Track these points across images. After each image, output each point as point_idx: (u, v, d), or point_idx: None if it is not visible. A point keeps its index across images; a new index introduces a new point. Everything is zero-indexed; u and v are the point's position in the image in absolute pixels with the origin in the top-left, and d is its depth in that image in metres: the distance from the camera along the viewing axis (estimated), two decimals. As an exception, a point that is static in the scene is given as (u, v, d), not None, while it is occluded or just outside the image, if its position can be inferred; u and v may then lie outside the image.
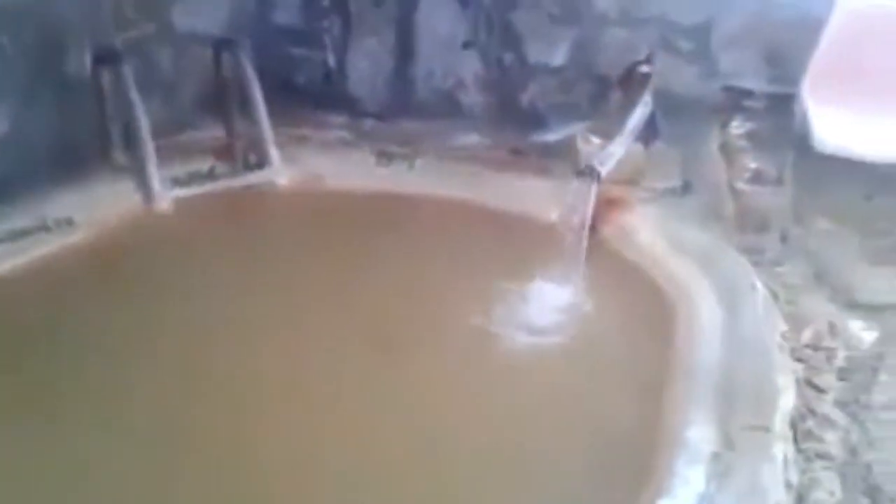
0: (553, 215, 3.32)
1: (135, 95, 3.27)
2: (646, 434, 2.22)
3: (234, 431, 2.26)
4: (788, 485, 2.04)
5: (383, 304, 2.90)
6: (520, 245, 3.17)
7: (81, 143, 3.41)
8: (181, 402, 2.36)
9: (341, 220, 3.38)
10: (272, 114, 3.84)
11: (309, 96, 4.15)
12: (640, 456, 2.15)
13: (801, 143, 3.26)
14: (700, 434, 2.15)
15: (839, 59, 3.15)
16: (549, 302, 2.90)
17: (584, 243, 2.98)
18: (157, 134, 3.42)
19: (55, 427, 2.23)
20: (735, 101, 3.75)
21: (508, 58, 4.02)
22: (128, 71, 3.29)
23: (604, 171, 3.07)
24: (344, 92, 4.25)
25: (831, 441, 2.32)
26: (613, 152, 3.25)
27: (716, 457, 2.08)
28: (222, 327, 2.73)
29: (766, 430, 2.14)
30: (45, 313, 2.69)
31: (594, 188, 3.03)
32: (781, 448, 2.10)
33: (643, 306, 2.81)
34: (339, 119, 4.17)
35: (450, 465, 2.21)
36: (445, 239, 3.23)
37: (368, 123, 4.15)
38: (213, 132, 3.86)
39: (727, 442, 2.12)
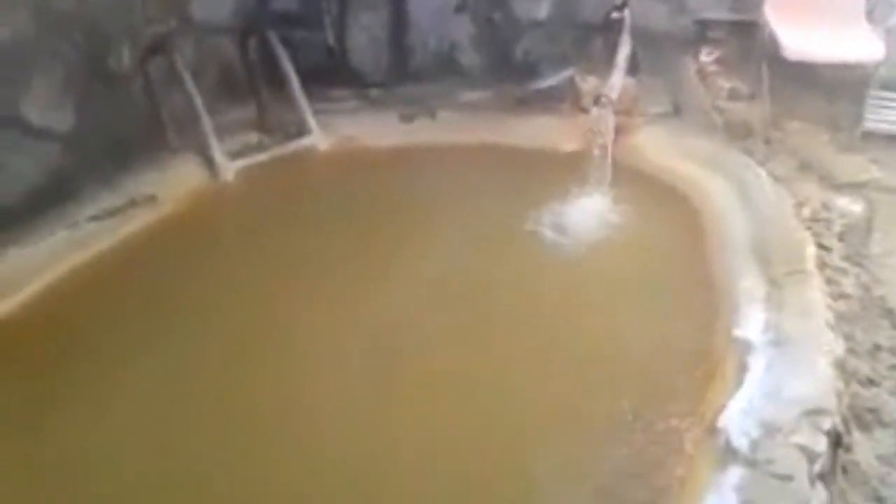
0: (568, 145, 3.80)
1: (188, 79, 3.58)
2: (705, 291, 2.73)
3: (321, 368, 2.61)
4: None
5: (446, 237, 3.28)
6: (548, 172, 3.62)
7: (138, 129, 3.70)
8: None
9: (385, 173, 3.78)
10: (282, 94, 4.19)
11: (314, 74, 4.39)
12: (705, 306, 2.65)
13: (769, 58, 3.78)
14: (751, 283, 2.66)
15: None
16: (591, 211, 3.37)
17: (609, 160, 3.44)
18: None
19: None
20: (703, 32, 4.28)
21: (498, 16, 4.43)
22: (178, 58, 3.59)
23: (614, 97, 3.55)
24: (347, 67, 4.58)
25: (846, 284, 2.85)
26: (614, 84, 3.73)
27: (768, 295, 2.58)
28: (306, 272, 3.09)
29: (802, 272, 2.65)
30: (158, 274, 3.03)
31: (610, 113, 3.51)
32: (816, 282, 2.60)
33: (670, 204, 3.31)
34: (346, 92, 4.50)
35: (529, 341, 2.67)
36: (483, 175, 3.66)
37: (374, 92, 4.50)
38: (244, 111, 4.17)
39: (774, 284, 2.63)
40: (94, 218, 3.18)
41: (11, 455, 2.22)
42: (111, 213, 3.25)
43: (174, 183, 3.49)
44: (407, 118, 4.14)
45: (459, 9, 4.46)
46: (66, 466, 2.20)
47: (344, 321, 2.78)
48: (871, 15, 3.79)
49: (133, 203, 3.33)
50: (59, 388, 2.43)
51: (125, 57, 3.69)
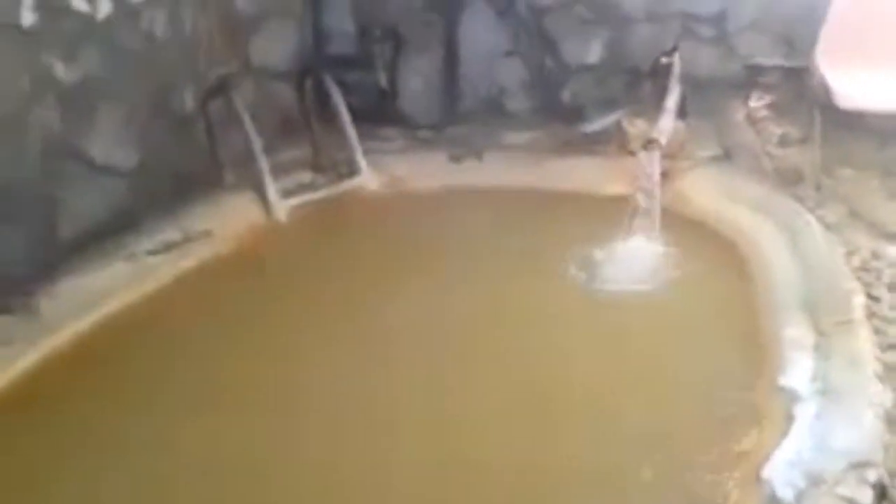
0: (616, 188, 3.83)
1: (247, 119, 3.71)
2: (753, 338, 2.71)
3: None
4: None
5: (492, 277, 3.34)
6: (595, 215, 3.64)
7: (196, 169, 3.84)
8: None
9: (431, 213, 3.85)
10: (335, 135, 4.31)
11: (366, 116, 4.51)
12: (751, 354, 2.64)
13: (821, 105, 3.77)
14: (799, 332, 2.64)
15: (846, 27, 3.70)
16: (637, 256, 3.38)
17: (657, 204, 3.46)
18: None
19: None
20: (754, 77, 4.30)
21: (548, 61, 4.51)
22: (238, 99, 3.73)
23: (663, 142, 3.58)
24: (398, 108, 4.70)
25: (894, 334, 2.81)
26: (664, 127, 3.76)
27: (817, 345, 2.56)
28: (354, 310, 3.16)
29: (851, 321, 2.63)
30: (210, 310, 3.12)
31: (658, 157, 3.53)
32: (865, 333, 2.58)
33: (718, 250, 3.31)
34: (397, 132, 4.61)
35: (596, 379, 2.68)
36: (528, 217, 3.71)
37: (423, 134, 4.60)
38: (298, 151, 4.30)
39: (822, 334, 2.61)
40: (152, 252, 3.30)
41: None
42: (168, 247, 3.37)
43: (229, 220, 3.60)
44: (455, 159, 4.21)
45: (510, 53, 4.54)
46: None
47: (389, 357, 2.84)
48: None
49: (189, 238, 3.44)
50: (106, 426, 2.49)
51: (188, 98, 3.84)
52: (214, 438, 2.46)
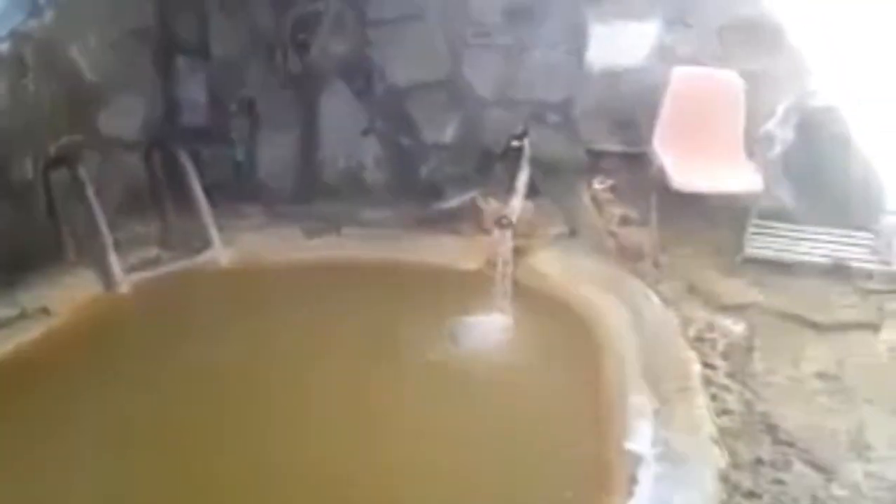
0: (469, 264, 3.91)
1: (90, 192, 3.58)
2: (595, 406, 2.80)
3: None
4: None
5: (347, 353, 3.32)
6: (449, 290, 3.71)
7: (36, 241, 3.64)
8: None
9: (286, 289, 3.78)
10: (187, 208, 4.22)
11: (221, 190, 4.44)
12: (597, 420, 2.72)
13: (659, 188, 4.02)
14: (641, 399, 2.75)
15: (680, 115, 4.00)
16: (489, 328, 3.45)
17: (509, 279, 3.56)
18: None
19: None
20: (597, 161, 4.54)
21: (404, 140, 4.61)
22: (83, 172, 3.59)
23: (514, 220, 3.71)
24: (255, 182, 4.67)
25: (730, 400, 2.98)
26: (514, 206, 3.90)
27: (657, 411, 2.67)
28: (190, 387, 3.06)
29: (689, 388, 2.76)
30: (41, 387, 2.94)
31: (510, 235, 3.65)
32: (702, 398, 2.72)
33: (565, 322, 3.42)
34: (253, 207, 4.56)
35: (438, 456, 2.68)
36: (383, 292, 3.71)
37: (281, 208, 4.56)
38: (146, 226, 4.16)
39: (663, 400, 2.72)
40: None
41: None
42: (1, 324, 3.13)
43: (68, 295, 3.43)
44: (311, 234, 4.19)
45: (367, 132, 4.61)
46: None
47: (226, 437, 2.75)
48: (750, 150, 4.09)
49: (24, 315, 3.24)
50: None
51: (28, 168, 3.66)
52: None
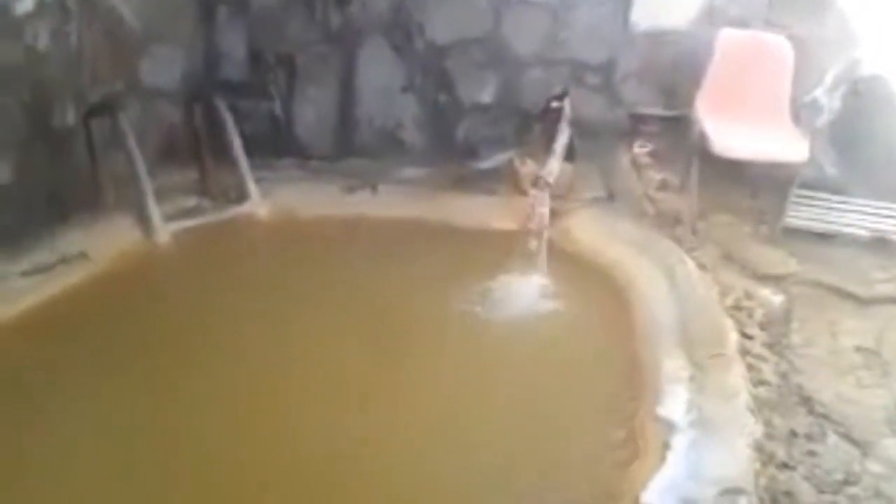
0: (505, 224, 3.90)
1: (131, 141, 3.59)
2: (633, 371, 2.79)
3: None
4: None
5: (381, 309, 3.32)
6: (485, 250, 3.69)
7: (76, 187, 3.68)
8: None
9: (320, 243, 3.80)
10: (225, 160, 4.23)
11: (259, 143, 4.45)
12: (634, 384, 2.71)
13: (699, 153, 3.96)
14: (676, 364, 2.73)
15: (724, 80, 3.92)
16: (523, 290, 3.44)
17: (545, 241, 3.54)
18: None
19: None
20: (637, 124, 4.48)
21: (443, 98, 4.57)
22: (123, 119, 3.60)
23: (551, 182, 3.68)
24: (292, 137, 4.66)
25: (766, 371, 2.95)
26: (552, 168, 3.87)
27: (692, 377, 2.66)
28: (227, 339, 3.08)
29: (725, 356, 2.74)
30: (79, 335, 2.98)
31: (547, 196, 3.62)
32: (738, 367, 2.69)
33: (600, 285, 3.40)
34: (290, 162, 4.56)
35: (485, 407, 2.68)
36: (419, 250, 3.71)
37: (317, 164, 4.57)
38: (185, 176, 4.19)
39: (698, 367, 2.71)
40: (25, 273, 3.13)
41: None
42: (41, 269, 3.19)
43: (107, 242, 3.46)
44: (348, 191, 4.19)
45: (406, 89, 4.57)
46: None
47: (261, 390, 2.76)
48: (796, 117, 4.01)
49: (64, 260, 3.27)
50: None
51: (69, 115, 3.68)
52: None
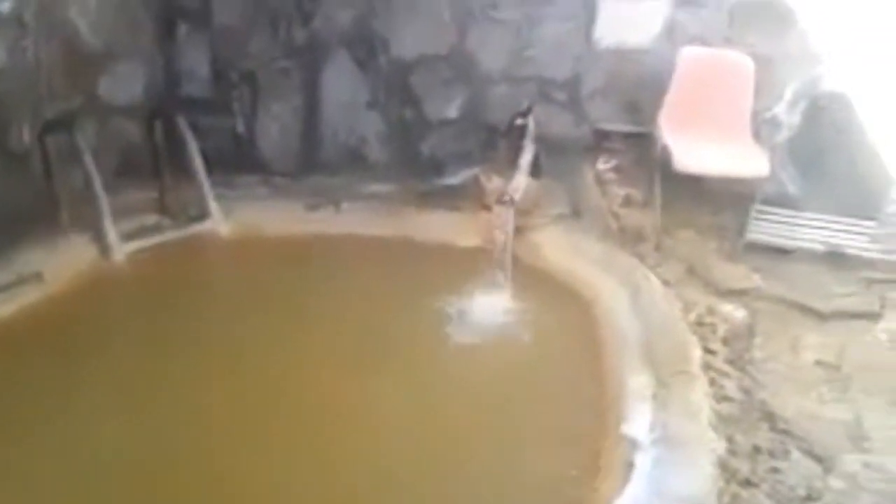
0: (469, 241, 3.88)
1: (88, 158, 3.53)
2: (597, 388, 2.78)
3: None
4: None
5: (343, 329, 3.28)
6: (448, 266, 3.67)
7: (32, 205, 3.60)
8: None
9: (285, 261, 3.75)
10: (185, 178, 4.17)
11: (221, 161, 4.37)
12: (595, 403, 2.70)
13: (662, 169, 3.98)
14: (640, 381, 2.73)
15: (687, 96, 3.95)
16: (488, 306, 3.42)
17: (509, 258, 3.52)
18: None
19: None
20: (602, 141, 4.50)
21: (408, 114, 4.55)
22: (80, 137, 3.54)
23: (516, 198, 3.67)
24: (255, 154, 4.61)
25: (729, 387, 2.95)
26: (518, 184, 3.86)
27: (655, 395, 2.65)
28: (181, 359, 3.03)
29: (688, 372, 2.74)
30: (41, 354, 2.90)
31: (512, 213, 3.61)
32: (702, 383, 2.69)
33: (565, 302, 3.40)
34: (253, 179, 4.51)
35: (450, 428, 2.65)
36: (383, 267, 3.68)
37: (280, 181, 4.52)
38: (144, 193, 4.12)
39: (661, 383, 2.70)
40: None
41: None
42: (-6, 289, 3.11)
43: (63, 262, 3.39)
44: (311, 208, 4.14)
45: (370, 105, 4.55)
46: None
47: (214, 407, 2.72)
48: (757, 134, 4.04)
49: (20, 280, 3.21)
50: None
51: (25, 132, 3.61)
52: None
